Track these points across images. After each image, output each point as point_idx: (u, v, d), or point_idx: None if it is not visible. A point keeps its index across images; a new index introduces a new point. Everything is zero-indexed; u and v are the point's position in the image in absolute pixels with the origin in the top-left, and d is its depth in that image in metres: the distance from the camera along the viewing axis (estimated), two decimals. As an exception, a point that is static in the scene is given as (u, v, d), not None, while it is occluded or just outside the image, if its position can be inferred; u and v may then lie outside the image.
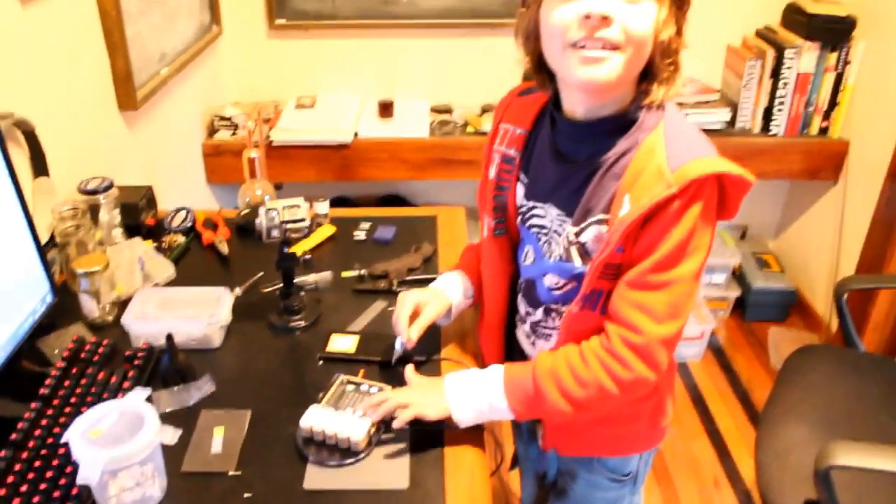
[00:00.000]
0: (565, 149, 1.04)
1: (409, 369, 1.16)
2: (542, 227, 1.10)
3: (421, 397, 1.07)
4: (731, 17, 2.73)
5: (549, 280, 1.11)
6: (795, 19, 2.58)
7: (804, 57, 2.53)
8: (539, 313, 1.16)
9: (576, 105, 1.01)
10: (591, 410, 1.04)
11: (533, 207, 1.10)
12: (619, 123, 0.98)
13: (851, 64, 2.53)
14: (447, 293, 1.24)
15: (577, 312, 1.03)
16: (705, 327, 2.66)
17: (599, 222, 1.00)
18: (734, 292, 2.90)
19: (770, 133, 2.63)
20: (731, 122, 2.65)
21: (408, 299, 1.20)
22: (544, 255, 1.10)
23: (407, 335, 1.16)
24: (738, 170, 0.92)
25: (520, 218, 1.15)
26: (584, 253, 1.04)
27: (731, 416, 2.48)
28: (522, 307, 1.20)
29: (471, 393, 1.06)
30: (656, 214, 0.93)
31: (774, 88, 2.58)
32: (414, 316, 1.19)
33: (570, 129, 1.03)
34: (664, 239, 0.93)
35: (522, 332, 1.23)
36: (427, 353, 1.25)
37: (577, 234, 1.03)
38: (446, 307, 1.23)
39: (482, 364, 1.26)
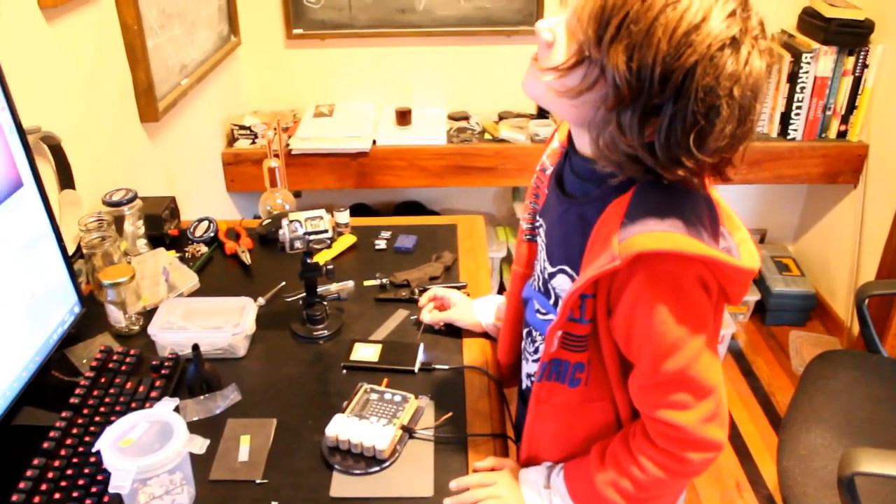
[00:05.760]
0: (566, 178, 0.98)
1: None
2: (543, 249, 1.04)
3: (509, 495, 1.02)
4: (747, 22, 2.72)
5: (538, 303, 1.05)
6: (812, 23, 2.57)
7: (821, 61, 2.52)
8: (526, 332, 1.12)
9: (575, 137, 0.94)
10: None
11: (540, 226, 1.04)
12: (597, 173, 0.87)
13: (869, 67, 2.52)
14: (476, 312, 1.32)
15: (542, 384, 0.97)
16: (725, 331, 2.65)
17: (568, 274, 0.95)
18: (754, 296, 2.88)
19: (788, 137, 2.61)
20: (749, 127, 2.63)
21: (443, 290, 1.36)
22: (534, 279, 1.07)
23: (425, 308, 1.34)
24: (700, 250, 0.79)
25: (530, 234, 1.11)
26: (557, 299, 0.98)
27: (752, 420, 2.47)
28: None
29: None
30: (618, 299, 0.85)
31: (792, 93, 2.57)
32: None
33: (570, 160, 0.96)
34: (645, 332, 0.84)
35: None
36: (449, 363, 1.26)
37: (550, 277, 0.99)
38: (471, 323, 1.32)
39: (501, 370, 1.26)
